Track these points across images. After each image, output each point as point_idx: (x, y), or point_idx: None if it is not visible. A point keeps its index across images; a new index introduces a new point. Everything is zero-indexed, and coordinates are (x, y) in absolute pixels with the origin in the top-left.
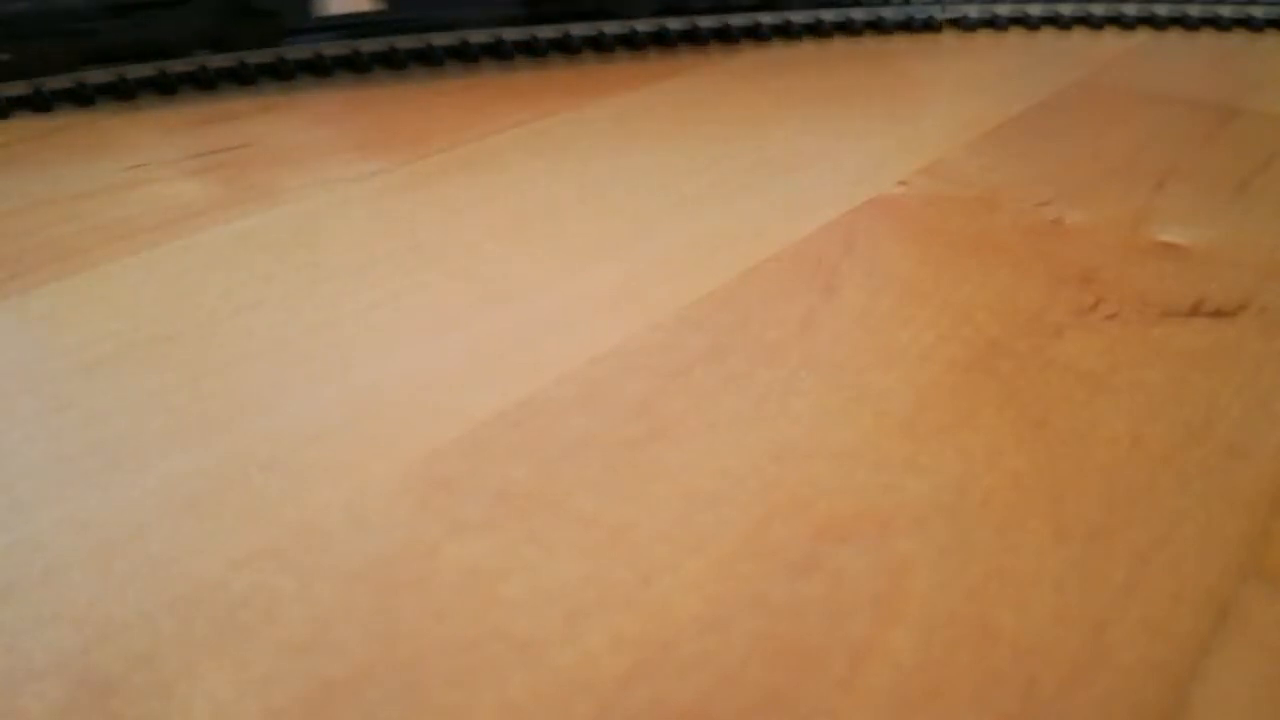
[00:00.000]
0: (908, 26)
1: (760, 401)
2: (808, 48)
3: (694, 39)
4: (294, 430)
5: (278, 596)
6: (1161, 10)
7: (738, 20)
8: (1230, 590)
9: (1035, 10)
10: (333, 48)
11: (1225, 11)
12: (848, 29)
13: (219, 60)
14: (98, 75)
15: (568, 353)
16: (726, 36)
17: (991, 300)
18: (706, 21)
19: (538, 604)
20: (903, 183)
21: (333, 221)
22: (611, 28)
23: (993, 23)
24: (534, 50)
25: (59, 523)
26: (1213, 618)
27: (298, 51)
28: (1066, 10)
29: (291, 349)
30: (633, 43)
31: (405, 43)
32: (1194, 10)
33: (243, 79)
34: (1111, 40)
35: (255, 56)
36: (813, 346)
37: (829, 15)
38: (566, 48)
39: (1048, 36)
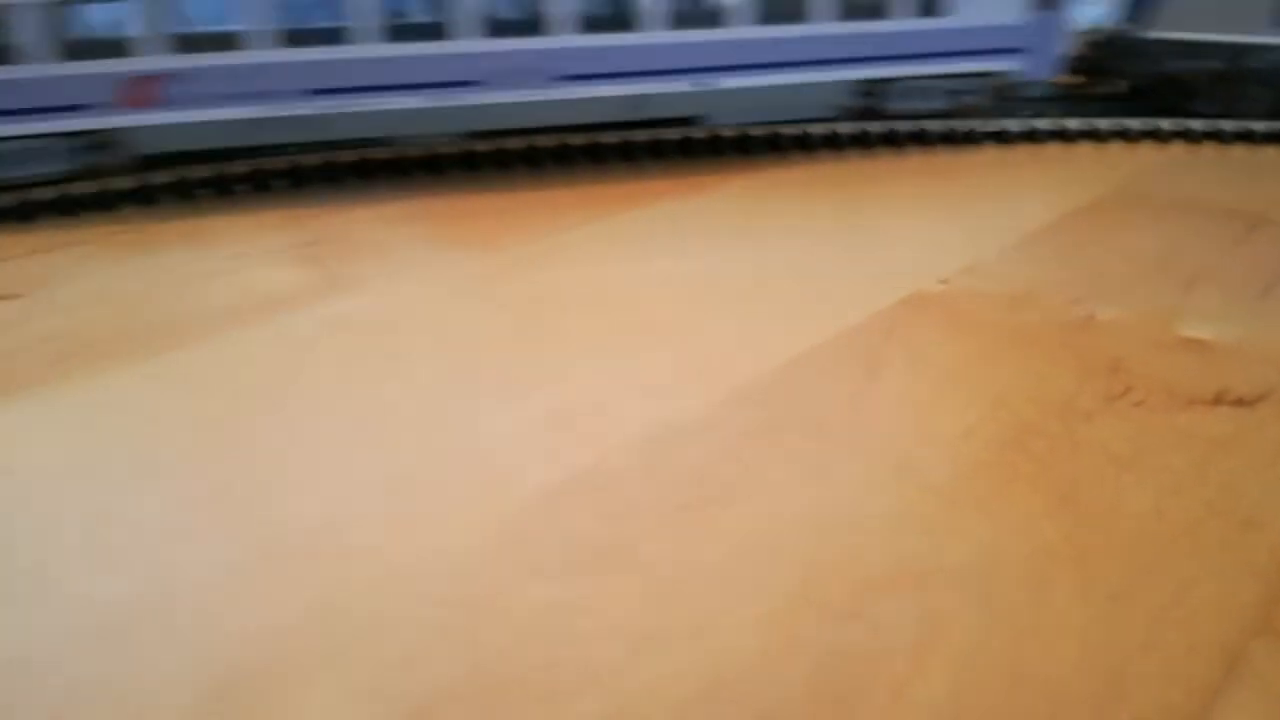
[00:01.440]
0: (949, 139)
1: (807, 472)
2: (852, 158)
3: (745, 148)
4: (386, 488)
5: (380, 624)
6: (1196, 125)
7: (789, 130)
8: (1241, 645)
9: (1073, 125)
10: (412, 149)
11: (1258, 127)
12: (891, 141)
13: (309, 159)
14: (199, 171)
15: (630, 424)
16: (777, 146)
17: (1025, 387)
18: (758, 132)
19: (606, 639)
20: (943, 280)
21: (415, 308)
22: (671, 134)
23: (1031, 136)
24: (596, 155)
25: (189, 558)
26: (1224, 667)
27: (377, 152)
28: (1103, 125)
29: (381, 418)
30: (687, 150)
31: (483, 146)
32: (1228, 126)
33: (330, 177)
34: (1147, 153)
35: (344, 155)
36: (857, 424)
37: (874, 128)
38: (628, 154)
39: (1085, 149)
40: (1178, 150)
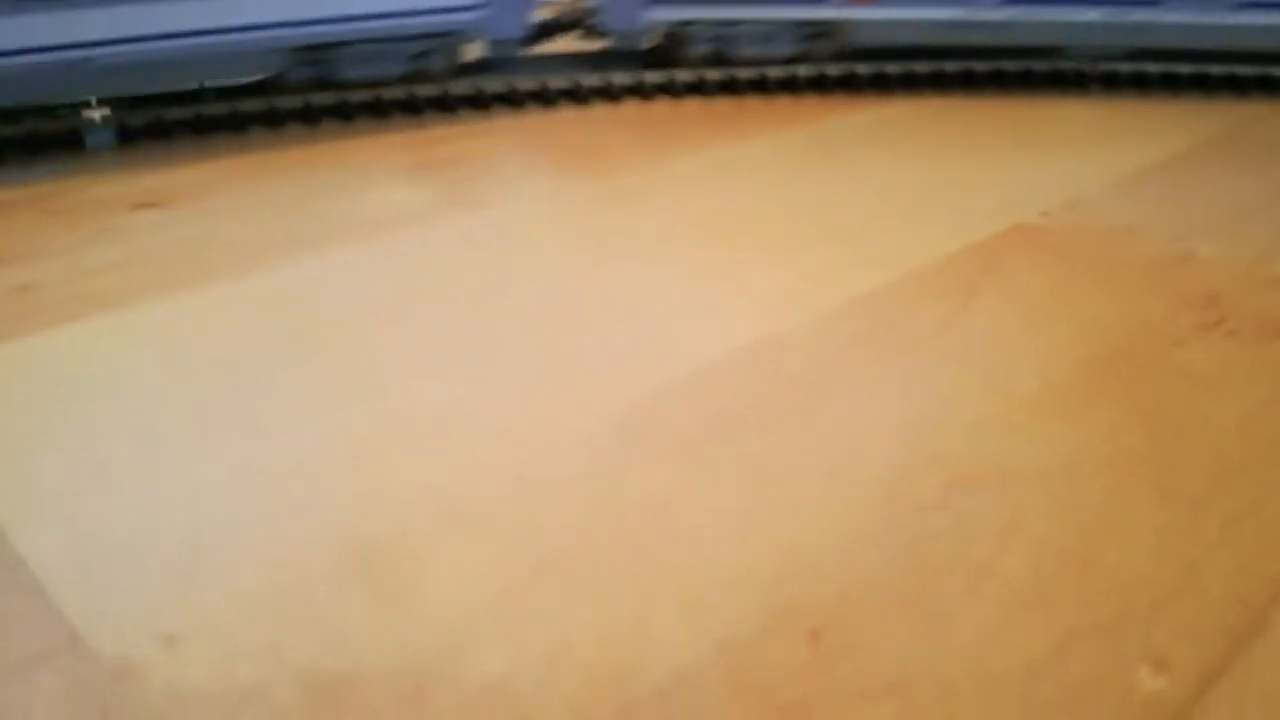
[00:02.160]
0: (1058, 80)
1: (901, 381)
2: (961, 96)
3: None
4: (510, 380)
5: (504, 501)
6: None
7: (893, 68)
8: None
9: (1183, 70)
10: (525, 82)
11: None
12: (999, 81)
13: (425, 90)
14: (322, 98)
15: (738, 333)
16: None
17: (1119, 315)
18: (864, 69)
19: (708, 518)
20: (1045, 213)
21: (533, 225)
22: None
23: (1141, 80)
24: (702, 89)
25: (332, 435)
26: None
27: (493, 84)
28: (1214, 71)
29: (502, 325)
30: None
31: (590, 80)
32: None
33: (445, 106)
34: (1255, 101)
35: (458, 87)
36: (950, 342)
37: (980, 67)
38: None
39: (1193, 96)
40: None
